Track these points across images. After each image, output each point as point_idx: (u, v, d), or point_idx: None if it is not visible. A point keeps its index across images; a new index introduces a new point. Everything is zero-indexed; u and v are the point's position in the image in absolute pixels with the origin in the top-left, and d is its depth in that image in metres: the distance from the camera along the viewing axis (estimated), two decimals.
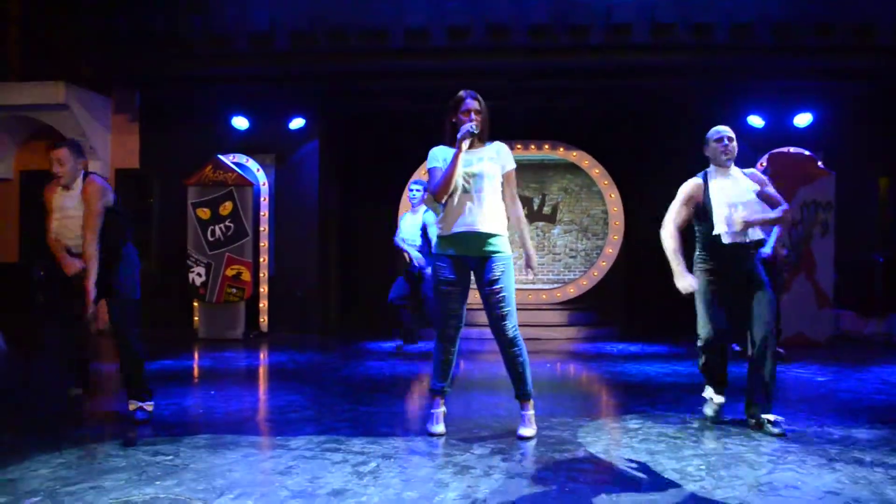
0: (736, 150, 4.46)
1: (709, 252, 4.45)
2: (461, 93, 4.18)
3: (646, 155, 10.81)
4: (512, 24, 8.44)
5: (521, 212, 4.36)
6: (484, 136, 4.21)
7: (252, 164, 9.90)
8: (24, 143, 10.38)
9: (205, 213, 9.42)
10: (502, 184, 4.23)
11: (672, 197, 4.56)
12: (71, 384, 5.04)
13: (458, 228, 4.11)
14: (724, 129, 4.48)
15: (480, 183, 4.10)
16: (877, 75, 9.15)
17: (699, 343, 4.51)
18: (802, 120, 9.47)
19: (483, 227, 4.09)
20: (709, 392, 4.66)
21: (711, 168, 4.51)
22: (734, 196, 4.35)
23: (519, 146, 10.63)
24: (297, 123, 9.96)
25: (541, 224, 11.42)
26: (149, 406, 4.61)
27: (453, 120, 4.16)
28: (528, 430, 4.14)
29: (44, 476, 3.36)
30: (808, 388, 5.81)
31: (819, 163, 8.89)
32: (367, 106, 10.56)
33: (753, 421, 4.36)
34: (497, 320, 4.12)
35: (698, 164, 4.62)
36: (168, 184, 10.22)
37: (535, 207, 11.38)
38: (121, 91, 10.32)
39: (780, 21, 8.46)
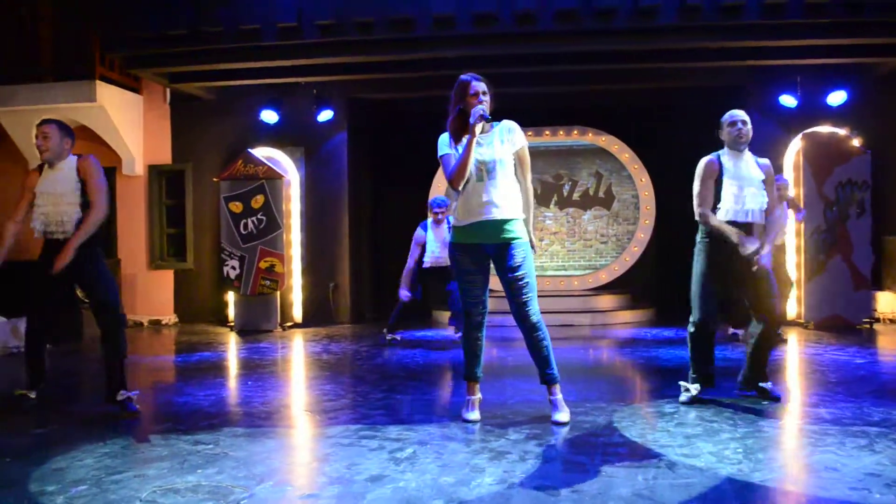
0: (750, 133, 4.50)
1: (709, 231, 4.52)
2: (464, 76, 4.07)
3: (676, 138, 10.68)
4: (538, 10, 8.38)
5: (531, 193, 4.26)
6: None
7: (282, 158, 9.98)
8: None
9: (237, 206, 9.52)
10: (515, 164, 4.14)
11: None
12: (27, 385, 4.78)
13: (473, 217, 4.05)
14: (738, 114, 4.53)
15: (493, 168, 4.01)
16: None
17: (689, 328, 4.64)
18: (836, 98, 9.28)
19: (499, 214, 4.02)
20: (690, 386, 4.64)
21: (724, 150, 4.57)
22: (745, 178, 4.44)
23: (547, 132, 10.58)
24: (325, 116, 10.00)
25: (571, 210, 11.37)
26: (134, 395, 4.58)
27: (461, 105, 4.04)
28: (562, 415, 4.12)
29: (89, 465, 3.44)
30: (846, 370, 5.73)
31: (854, 141, 8.73)
32: (394, 96, 10.58)
33: (754, 391, 4.61)
34: (520, 307, 4.07)
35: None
36: (200, 179, 10.36)
37: (566, 193, 11.33)
38: (152, 88, 10.46)
39: None
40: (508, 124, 4.15)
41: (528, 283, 4.05)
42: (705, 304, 4.53)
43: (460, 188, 4.07)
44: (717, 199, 4.47)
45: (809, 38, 8.37)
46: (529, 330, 4.11)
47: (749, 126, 4.49)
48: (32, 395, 4.74)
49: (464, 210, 4.10)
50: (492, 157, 4.02)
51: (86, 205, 4.50)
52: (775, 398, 4.54)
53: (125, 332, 4.65)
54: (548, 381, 4.18)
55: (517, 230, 4.08)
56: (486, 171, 4.02)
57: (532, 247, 4.13)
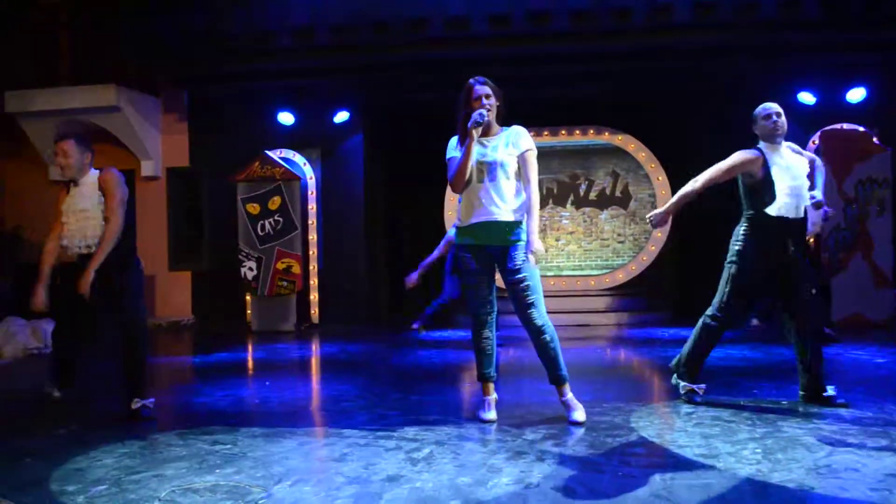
0: (786, 125, 4.39)
1: (757, 228, 4.37)
2: (470, 80, 4.08)
3: (692, 136, 10.62)
4: (552, 9, 8.37)
5: (535, 198, 4.06)
6: (499, 118, 4.13)
7: (298, 159, 10.03)
8: None
9: (254, 208, 9.57)
10: (519, 167, 4.08)
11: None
12: (51, 384, 4.84)
13: (476, 219, 4.04)
14: (772, 106, 4.41)
15: (495, 171, 4.00)
16: None
17: (708, 320, 4.49)
18: (855, 95, 9.20)
19: (502, 217, 4.01)
20: (683, 383, 4.60)
21: (763, 144, 4.43)
22: (798, 173, 4.34)
23: (563, 132, 10.56)
24: (341, 117, 10.04)
25: (587, 210, 11.33)
26: (150, 403, 4.52)
27: (466, 109, 4.03)
28: (579, 414, 4.08)
29: (109, 465, 3.47)
30: (867, 370, 5.67)
31: (874, 139, 8.64)
32: (410, 96, 10.59)
33: (816, 396, 4.38)
34: (524, 309, 4.04)
35: (745, 143, 4.54)
36: (217, 180, 10.42)
37: (582, 193, 11.29)
38: (169, 91, 10.55)
39: None
40: (517, 129, 4.13)
41: (530, 285, 4.02)
42: (729, 308, 4.43)
43: (461, 191, 4.08)
44: (760, 194, 4.34)
45: (827, 34, 8.29)
46: (536, 333, 4.09)
47: (784, 118, 4.38)
48: (56, 395, 4.78)
49: (466, 210, 4.11)
50: (493, 159, 4.01)
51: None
52: (839, 404, 4.30)
53: (146, 339, 4.63)
54: (558, 381, 4.16)
55: (521, 233, 4.07)
56: (487, 172, 4.01)
57: (531, 249, 3.98)
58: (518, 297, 4.05)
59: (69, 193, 4.55)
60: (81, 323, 4.72)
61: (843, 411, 4.22)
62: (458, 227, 4.20)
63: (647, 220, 4.50)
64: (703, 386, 4.59)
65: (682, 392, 4.59)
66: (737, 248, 4.44)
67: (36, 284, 4.48)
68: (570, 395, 4.17)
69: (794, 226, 4.32)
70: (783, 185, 4.28)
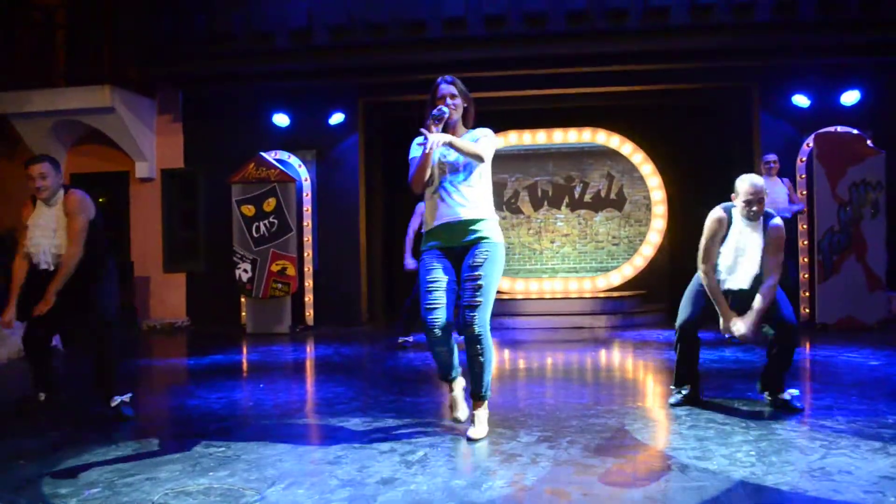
0: (762, 211, 4.29)
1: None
2: (437, 80, 4.00)
3: (687, 138, 10.66)
4: (549, 11, 8.38)
5: (478, 148, 3.85)
6: (468, 122, 4.03)
7: (294, 161, 10.01)
8: (73, 147, 10.65)
9: (249, 209, 9.56)
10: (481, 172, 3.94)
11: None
12: (35, 388, 4.80)
13: (440, 220, 3.87)
14: (753, 192, 4.24)
15: (458, 170, 3.86)
16: None
17: (676, 334, 4.56)
18: (850, 98, 9.23)
19: (466, 215, 3.83)
20: (678, 387, 4.64)
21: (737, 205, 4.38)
22: (747, 247, 4.31)
23: (558, 134, 10.57)
24: (337, 118, 10.03)
25: (582, 212, 11.34)
26: (128, 398, 4.54)
27: (431, 109, 3.89)
28: (476, 432, 3.85)
29: (102, 468, 3.46)
30: (860, 373, 5.69)
31: (868, 142, 8.66)
32: (406, 98, 10.59)
33: (770, 399, 4.48)
34: (467, 309, 3.77)
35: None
36: (212, 182, 10.40)
37: (577, 195, 11.30)
38: (164, 92, 10.52)
39: None
40: (483, 129, 3.99)
41: (482, 286, 3.76)
42: (688, 310, 4.51)
43: (421, 190, 3.92)
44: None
45: (823, 37, 8.32)
46: (471, 340, 3.80)
47: (763, 204, 4.27)
48: (41, 398, 4.76)
49: (430, 213, 3.95)
50: (456, 159, 3.87)
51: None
52: (794, 408, 4.36)
53: (117, 336, 4.59)
54: (475, 397, 3.94)
55: (485, 230, 3.86)
56: (450, 172, 3.88)
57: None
58: (465, 294, 3.79)
59: (34, 207, 4.56)
60: (50, 327, 4.69)
61: (837, 414, 4.23)
62: (425, 232, 4.00)
63: (740, 339, 4.32)
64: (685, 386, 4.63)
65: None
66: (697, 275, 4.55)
67: (8, 302, 4.49)
68: (481, 413, 3.94)
69: (735, 294, 4.37)
70: (726, 255, 4.35)
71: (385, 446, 3.74)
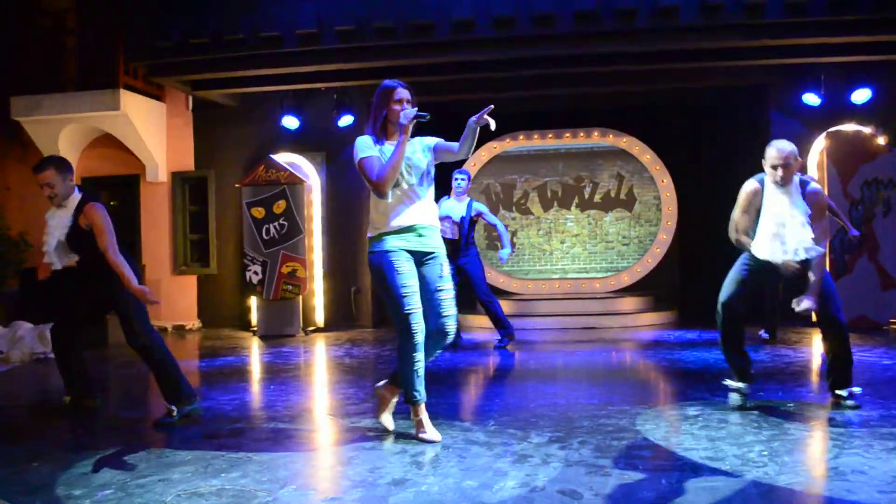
0: (791, 175, 4.28)
1: (755, 259, 4.40)
2: (390, 82, 3.97)
3: (697, 138, 10.63)
4: (557, 12, 8.36)
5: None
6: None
7: (303, 163, 10.04)
8: (85, 150, 10.72)
9: (259, 212, 9.59)
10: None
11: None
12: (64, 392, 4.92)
13: (405, 222, 3.86)
14: (778, 157, 4.27)
15: (420, 174, 3.91)
16: None
17: (719, 314, 4.49)
18: (861, 96, 9.17)
19: (426, 220, 3.92)
20: (732, 383, 4.58)
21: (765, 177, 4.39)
22: (787, 216, 4.25)
23: (568, 134, 10.55)
24: (346, 121, 10.05)
25: (592, 212, 11.31)
26: (173, 410, 4.47)
27: (385, 110, 3.92)
28: (436, 434, 3.92)
29: (115, 469, 3.48)
30: (873, 372, 5.65)
31: (880, 140, 8.61)
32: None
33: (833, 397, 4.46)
34: (446, 318, 3.92)
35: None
36: (223, 185, 10.45)
37: (587, 196, 11.28)
38: (174, 95, 10.58)
39: None
40: (431, 140, 4.05)
41: (452, 294, 3.98)
42: (730, 292, 4.45)
43: (388, 190, 3.83)
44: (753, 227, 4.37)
45: (833, 36, 8.27)
46: (442, 345, 4.05)
47: (790, 168, 4.26)
48: (66, 400, 4.86)
49: (395, 213, 3.88)
50: (419, 163, 3.92)
51: (77, 246, 4.50)
52: (853, 406, 4.34)
53: (158, 348, 4.58)
54: (418, 402, 3.99)
55: (440, 241, 4.02)
56: (416, 175, 3.90)
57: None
58: (441, 307, 3.92)
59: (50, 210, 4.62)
60: (77, 326, 4.76)
61: (850, 413, 4.21)
62: (383, 233, 3.89)
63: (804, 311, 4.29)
64: (740, 385, 4.59)
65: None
66: (739, 261, 4.50)
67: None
68: (420, 417, 3.97)
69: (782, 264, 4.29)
70: (766, 226, 4.28)
71: (396, 447, 3.75)
